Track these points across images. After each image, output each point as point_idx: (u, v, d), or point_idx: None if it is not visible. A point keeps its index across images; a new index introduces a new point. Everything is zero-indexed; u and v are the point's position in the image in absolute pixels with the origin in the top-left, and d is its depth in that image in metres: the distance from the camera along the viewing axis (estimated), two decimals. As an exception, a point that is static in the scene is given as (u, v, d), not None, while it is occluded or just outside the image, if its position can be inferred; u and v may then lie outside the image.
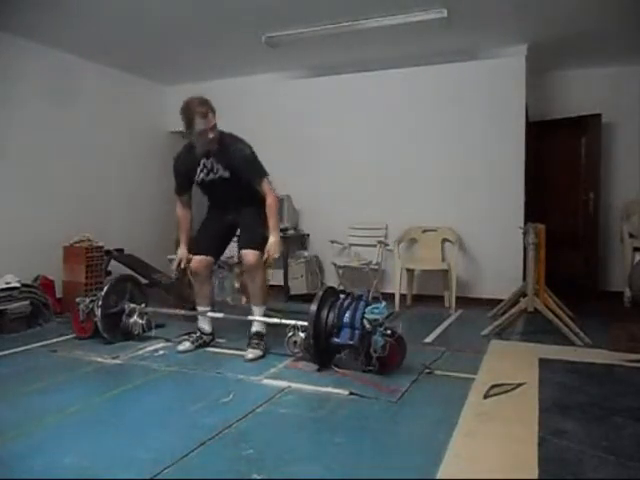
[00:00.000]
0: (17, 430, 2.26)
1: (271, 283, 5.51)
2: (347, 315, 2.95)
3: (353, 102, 5.63)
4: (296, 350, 3.14)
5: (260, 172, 3.35)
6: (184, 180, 3.51)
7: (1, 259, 4.39)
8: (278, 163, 5.90)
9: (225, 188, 3.40)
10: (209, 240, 3.56)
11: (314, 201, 5.80)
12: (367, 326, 2.87)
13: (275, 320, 3.33)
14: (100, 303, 3.59)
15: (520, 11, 4.18)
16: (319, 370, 3.03)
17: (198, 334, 3.58)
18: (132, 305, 3.73)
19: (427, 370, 3.03)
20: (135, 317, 3.69)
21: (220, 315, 3.61)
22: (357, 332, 2.89)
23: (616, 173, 5.63)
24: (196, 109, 3.14)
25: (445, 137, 5.28)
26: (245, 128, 6.03)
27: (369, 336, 2.86)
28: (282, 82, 5.98)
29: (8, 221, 4.55)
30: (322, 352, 3.03)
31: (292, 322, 3.18)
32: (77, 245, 4.81)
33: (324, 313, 3.02)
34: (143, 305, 3.78)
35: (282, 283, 5.50)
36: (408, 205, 5.40)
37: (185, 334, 3.65)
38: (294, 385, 2.79)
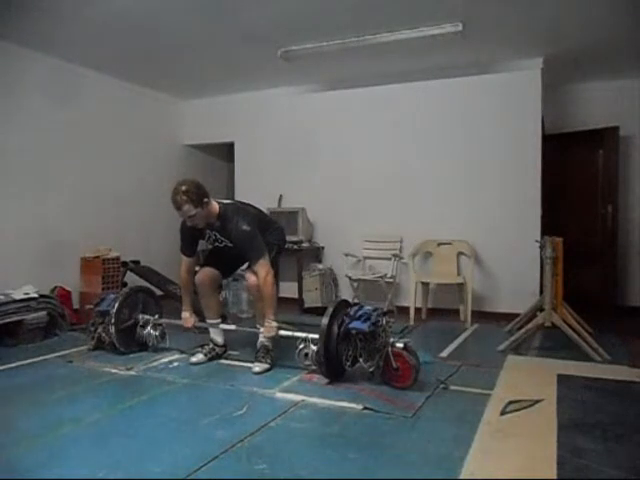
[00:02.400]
0: (33, 440, 2.27)
1: (286, 295, 5.53)
2: (363, 311, 3.07)
3: (368, 115, 5.64)
4: (307, 362, 3.13)
5: (257, 252, 3.26)
6: (190, 239, 3.52)
7: (20, 270, 4.46)
8: (293, 176, 6.01)
9: (233, 250, 3.44)
10: (217, 258, 3.61)
11: (329, 214, 5.80)
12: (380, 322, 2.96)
13: (288, 333, 3.31)
14: (113, 320, 3.60)
15: (536, 25, 4.17)
16: (330, 383, 3.02)
17: (211, 346, 3.59)
18: (146, 316, 3.75)
19: (442, 385, 2.99)
20: (149, 328, 3.71)
21: (232, 327, 3.62)
22: (369, 323, 2.95)
23: (634, 186, 5.56)
24: (182, 197, 3.14)
25: (461, 150, 5.25)
26: (261, 142, 6.20)
27: (377, 336, 2.92)
28: (297, 96, 6.03)
29: (27, 233, 4.62)
30: (333, 365, 3.01)
31: (303, 335, 3.18)
32: (95, 257, 4.87)
33: (335, 327, 3.01)
34: (157, 316, 3.79)
35: (296, 296, 5.49)
36: (423, 218, 5.37)
37: (198, 346, 3.65)
38: (308, 399, 2.77)
